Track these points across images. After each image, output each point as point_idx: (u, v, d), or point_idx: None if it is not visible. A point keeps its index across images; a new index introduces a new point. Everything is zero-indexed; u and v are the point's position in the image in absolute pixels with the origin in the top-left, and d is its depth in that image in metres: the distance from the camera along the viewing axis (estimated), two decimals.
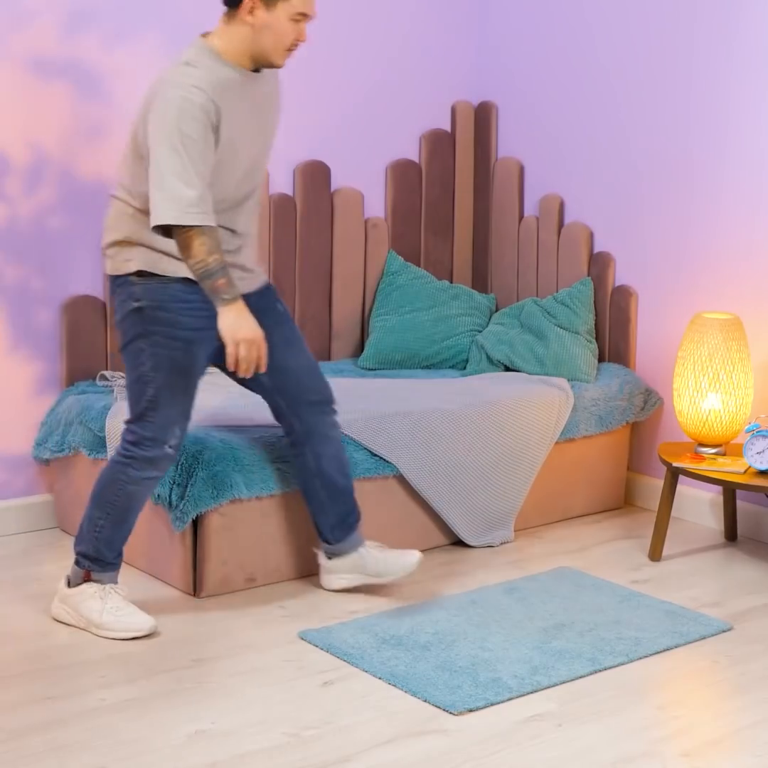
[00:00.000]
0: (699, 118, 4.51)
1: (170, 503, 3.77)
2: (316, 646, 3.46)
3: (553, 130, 4.97)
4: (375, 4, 4.91)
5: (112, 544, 3.56)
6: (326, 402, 3.75)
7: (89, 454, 4.11)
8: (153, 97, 3.36)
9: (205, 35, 3.42)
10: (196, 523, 3.79)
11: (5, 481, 4.34)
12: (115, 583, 3.60)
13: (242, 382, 3.68)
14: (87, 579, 3.57)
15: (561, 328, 4.73)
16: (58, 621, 3.60)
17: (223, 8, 3.40)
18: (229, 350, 3.32)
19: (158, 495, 3.79)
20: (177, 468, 3.75)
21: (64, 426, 4.21)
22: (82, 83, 4.29)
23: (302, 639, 3.52)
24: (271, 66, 3.48)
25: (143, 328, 3.45)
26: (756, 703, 3.20)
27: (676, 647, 3.52)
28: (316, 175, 4.80)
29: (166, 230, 3.29)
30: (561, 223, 4.96)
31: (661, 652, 3.49)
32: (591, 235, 4.87)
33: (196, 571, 3.82)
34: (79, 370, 4.38)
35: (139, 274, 3.45)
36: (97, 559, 3.56)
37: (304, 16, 3.38)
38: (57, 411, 4.28)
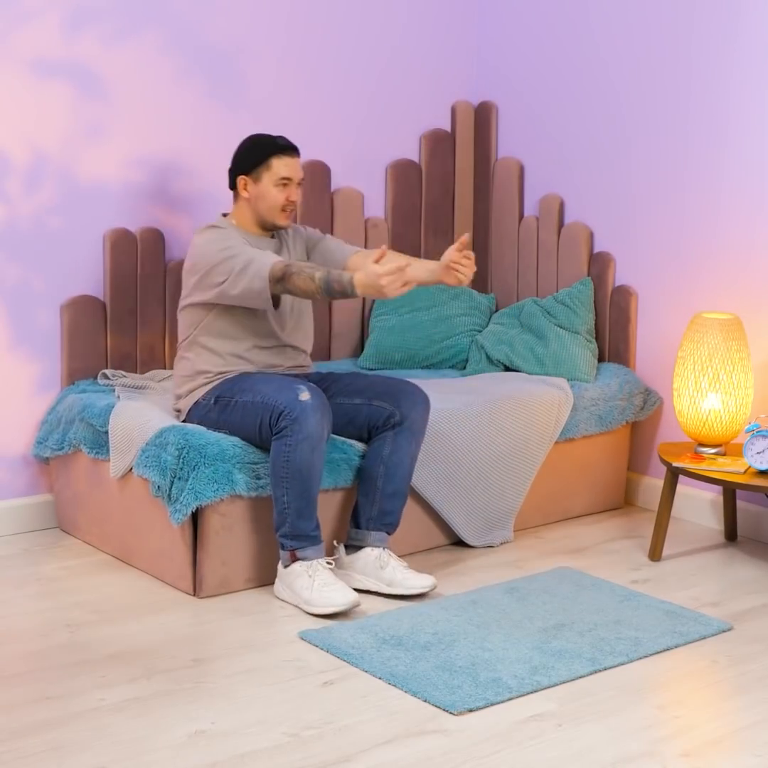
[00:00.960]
0: (699, 118, 4.51)
1: (170, 496, 3.78)
2: (316, 646, 3.46)
3: (553, 130, 4.97)
4: (375, 5, 4.91)
5: (303, 515, 3.71)
6: (426, 408, 3.98)
7: (89, 453, 4.11)
8: (191, 254, 3.94)
9: (225, 215, 4.06)
10: (196, 523, 3.80)
11: (5, 481, 4.34)
12: (322, 556, 3.73)
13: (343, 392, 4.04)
14: (294, 559, 3.72)
15: (561, 327, 4.74)
16: (279, 598, 3.78)
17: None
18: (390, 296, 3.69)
19: (158, 486, 3.80)
20: (179, 460, 3.75)
21: (64, 424, 4.22)
22: (82, 83, 4.29)
23: (302, 639, 3.52)
24: (275, 227, 4.01)
25: (229, 399, 3.88)
26: (756, 703, 3.20)
27: (676, 647, 3.52)
28: (316, 175, 4.80)
29: (274, 301, 3.87)
30: (561, 223, 4.96)
31: (661, 652, 3.49)
32: (591, 235, 4.87)
33: (196, 571, 3.82)
34: (79, 371, 4.39)
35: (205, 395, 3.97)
36: (296, 535, 3.71)
37: (288, 180, 3.97)
38: (57, 409, 4.29)
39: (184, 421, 3.99)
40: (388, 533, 3.93)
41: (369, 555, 3.88)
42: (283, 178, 3.95)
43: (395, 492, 3.93)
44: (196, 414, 3.95)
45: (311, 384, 3.82)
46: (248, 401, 3.82)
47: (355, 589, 3.82)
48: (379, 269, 3.65)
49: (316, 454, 3.71)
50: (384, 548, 3.89)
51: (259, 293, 3.79)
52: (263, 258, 3.80)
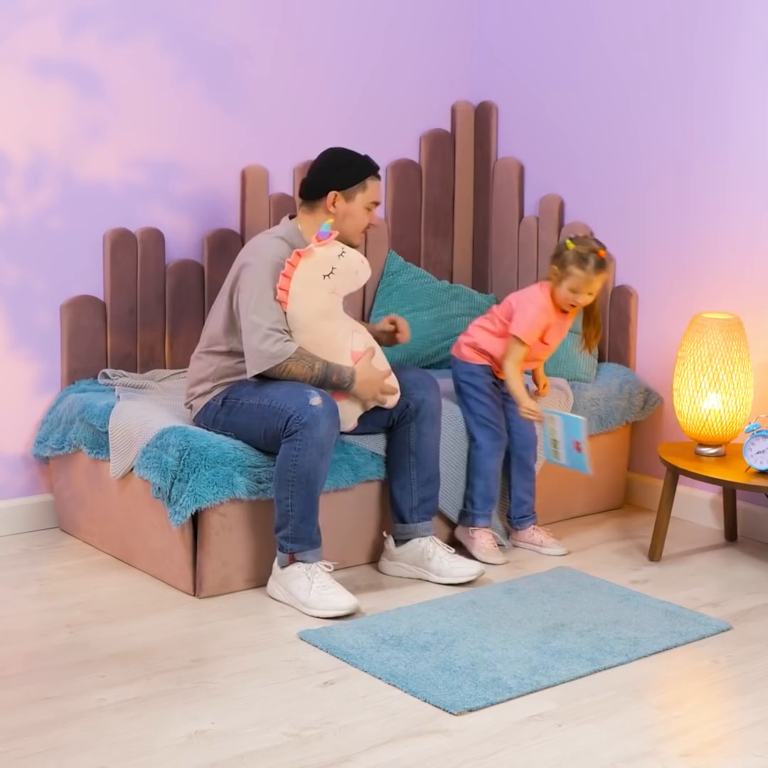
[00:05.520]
0: (700, 117, 4.51)
1: (169, 497, 3.77)
2: (316, 646, 3.46)
3: (553, 130, 4.97)
4: (375, 5, 4.90)
5: (306, 519, 3.72)
6: (437, 387, 4.05)
7: (90, 453, 4.11)
8: (243, 262, 3.85)
9: (292, 217, 3.99)
10: (196, 524, 3.80)
11: (5, 481, 4.34)
12: (320, 559, 3.75)
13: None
14: (293, 561, 3.72)
15: None
16: (272, 598, 3.78)
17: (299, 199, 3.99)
18: (385, 405, 3.91)
19: (159, 488, 3.80)
20: (179, 462, 3.75)
21: (65, 424, 4.22)
22: (82, 83, 4.29)
23: (302, 639, 3.52)
24: (350, 245, 3.93)
25: (236, 400, 3.87)
26: (756, 703, 3.20)
27: (675, 647, 3.52)
28: None
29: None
30: (561, 223, 4.96)
31: (660, 651, 3.49)
32: (591, 235, 4.87)
33: (196, 571, 3.82)
34: (79, 371, 4.39)
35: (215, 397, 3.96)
36: (298, 538, 3.72)
37: (375, 204, 3.97)
38: (58, 409, 4.29)
39: (194, 420, 3.98)
40: (432, 518, 4.02)
41: (416, 546, 3.97)
42: (374, 202, 3.96)
43: (430, 478, 4.01)
44: (204, 415, 3.94)
45: (322, 390, 3.81)
46: (255, 404, 3.81)
47: (362, 588, 3.84)
48: (386, 375, 3.86)
49: (323, 460, 3.72)
50: (430, 537, 3.98)
51: (255, 361, 3.77)
52: (285, 342, 3.77)
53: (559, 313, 4.18)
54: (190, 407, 4.02)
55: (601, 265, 4.09)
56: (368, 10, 4.89)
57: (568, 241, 4.13)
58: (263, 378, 3.86)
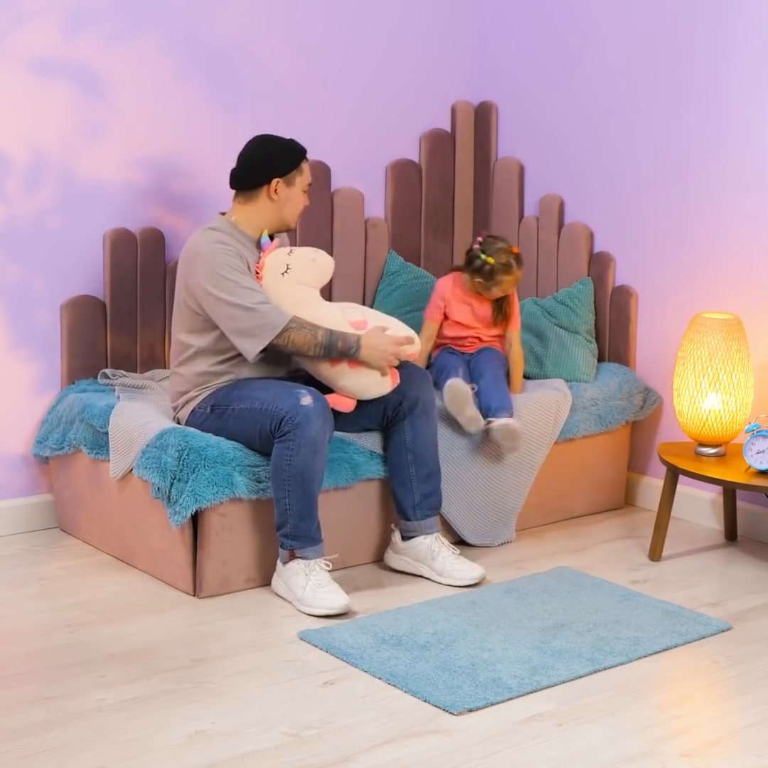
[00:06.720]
0: (699, 117, 4.51)
1: (169, 498, 3.77)
2: (316, 646, 3.46)
3: (553, 130, 4.97)
4: (375, 5, 4.91)
5: (305, 517, 3.73)
6: (429, 383, 4.07)
7: (89, 453, 4.11)
8: (188, 264, 3.88)
9: (223, 213, 4.00)
10: (196, 523, 3.80)
11: (5, 481, 4.34)
12: (321, 556, 3.76)
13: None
14: (293, 557, 3.74)
15: (561, 327, 4.74)
16: (276, 594, 3.82)
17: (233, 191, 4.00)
18: (395, 367, 3.91)
19: (159, 488, 3.80)
20: (179, 463, 3.75)
21: (64, 424, 4.22)
22: (82, 83, 4.29)
23: (302, 639, 3.52)
24: (288, 229, 4.06)
25: (225, 407, 3.86)
26: (756, 703, 3.20)
27: (675, 647, 3.52)
28: (316, 175, 4.79)
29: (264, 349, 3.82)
30: (561, 223, 4.96)
31: (660, 651, 3.49)
32: (591, 235, 4.87)
33: (196, 571, 3.82)
34: (79, 371, 4.39)
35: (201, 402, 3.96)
36: (298, 535, 3.73)
37: (309, 186, 4.05)
38: (57, 409, 4.29)
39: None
40: (435, 514, 4.03)
41: (421, 544, 3.98)
42: (310, 184, 4.04)
43: (430, 473, 4.01)
44: (191, 421, 3.95)
45: (311, 388, 3.81)
46: (246, 408, 3.81)
47: (362, 588, 3.85)
48: (393, 337, 3.84)
49: (318, 458, 3.73)
50: (435, 535, 3.99)
51: (254, 340, 3.78)
52: (277, 310, 3.80)
53: (470, 294, 4.50)
54: (177, 419, 4.02)
55: (519, 260, 4.43)
56: (368, 11, 4.89)
57: (486, 257, 4.39)
58: (248, 380, 3.88)
